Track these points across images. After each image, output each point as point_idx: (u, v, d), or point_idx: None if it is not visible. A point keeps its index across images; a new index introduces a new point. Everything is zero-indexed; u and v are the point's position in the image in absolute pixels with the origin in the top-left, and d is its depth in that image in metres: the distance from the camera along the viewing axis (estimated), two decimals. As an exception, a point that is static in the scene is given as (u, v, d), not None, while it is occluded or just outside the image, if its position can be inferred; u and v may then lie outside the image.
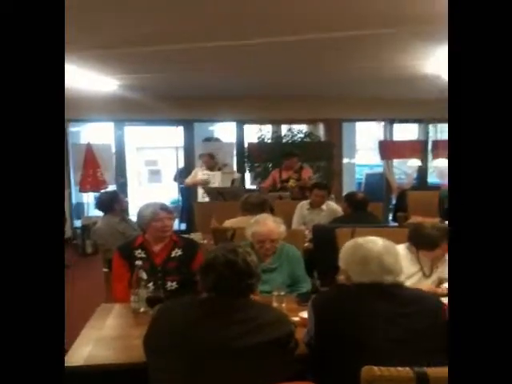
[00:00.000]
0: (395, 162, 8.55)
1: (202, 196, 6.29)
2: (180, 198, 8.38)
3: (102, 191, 6.21)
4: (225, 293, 1.75)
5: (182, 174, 7.72)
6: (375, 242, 1.91)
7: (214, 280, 1.76)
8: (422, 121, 8.19)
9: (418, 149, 8.15)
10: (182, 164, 8.14)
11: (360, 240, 1.95)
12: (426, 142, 8.31)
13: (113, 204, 4.14)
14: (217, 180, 6.25)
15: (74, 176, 7.49)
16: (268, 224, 2.92)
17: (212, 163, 6.42)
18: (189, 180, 6.66)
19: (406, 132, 9.23)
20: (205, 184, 6.27)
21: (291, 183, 5.87)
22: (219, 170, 6.41)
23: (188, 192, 7.64)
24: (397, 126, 8.37)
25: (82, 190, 7.26)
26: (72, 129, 8.06)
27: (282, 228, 2.98)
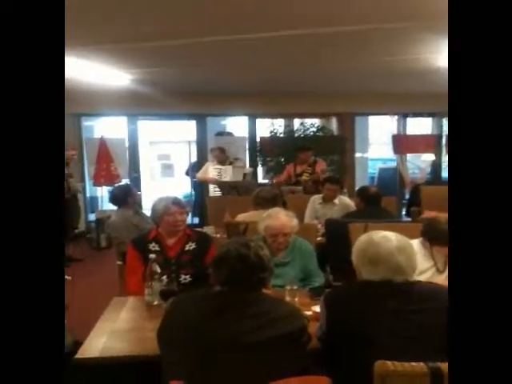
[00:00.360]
0: (409, 156, 8.48)
1: (213, 190, 6.30)
2: (193, 192, 8.41)
3: (115, 185, 6.26)
4: (237, 286, 1.75)
5: (194, 169, 7.75)
6: (388, 239, 1.85)
7: (226, 274, 1.76)
8: (436, 115, 8.10)
9: (431, 143, 8.07)
10: (194, 158, 8.16)
11: (373, 236, 1.90)
12: (440, 136, 8.22)
13: (126, 197, 4.17)
14: (228, 174, 6.24)
15: (88, 170, 7.54)
16: (281, 218, 2.91)
17: (223, 157, 6.42)
18: (200, 174, 6.68)
19: (419, 126, 9.15)
20: (215, 182, 6.28)
21: (304, 177, 5.85)
22: (230, 164, 6.40)
23: (200, 186, 7.67)
24: (410, 120, 8.29)
25: (96, 183, 7.33)
26: (86, 123, 8.12)
27: (295, 222, 2.98)
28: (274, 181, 6.61)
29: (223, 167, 6.30)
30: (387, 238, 1.87)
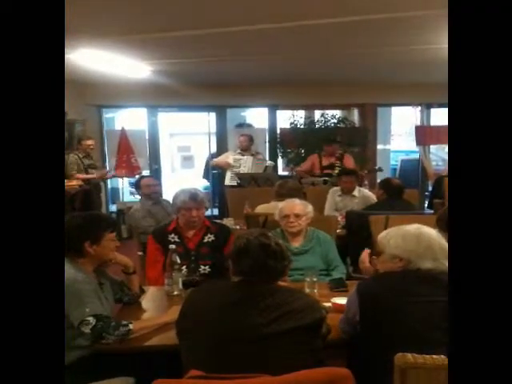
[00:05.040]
0: (432, 148, 8.32)
1: (229, 179, 6.21)
2: (208, 184, 8.43)
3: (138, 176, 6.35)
4: (260, 276, 1.75)
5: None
6: (429, 229, 1.94)
7: (249, 264, 1.75)
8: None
9: (455, 134, 7.90)
10: (214, 150, 8.15)
11: (416, 227, 1.95)
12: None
13: (138, 188, 4.30)
14: (247, 165, 6.14)
15: (109, 161, 7.61)
16: (294, 201, 3.11)
17: (248, 145, 6.25)
18: (217, 159, 6.62)
19: (444, 117, 8.96)
20: (229, 167, 6.21)
21: (337, 170, 5.76)
22: (252, 156, 6.32)
23: (220, 177, 7.67)
24: (434, 111, 8.12)
25: (117, 175, 7.39)
26: (106, 115, 8.19)
27: (309, 209, 3.07)
28: (297, 169, 6.51)
29: (243, 157, 6.21)
30: (424, 227, 1.95)
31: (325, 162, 6.03)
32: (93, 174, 6.10)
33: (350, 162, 6.00)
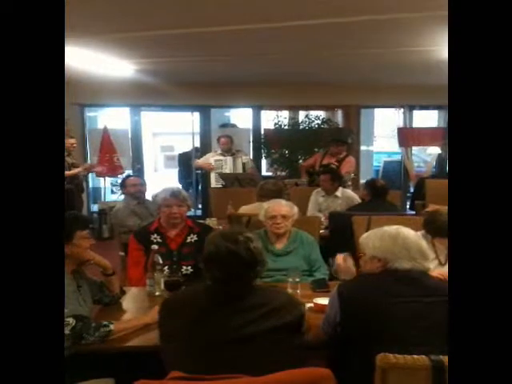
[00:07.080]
0: (414, 149, 8.41)
1: (215, 181, 6.23)
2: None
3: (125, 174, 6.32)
4: (233, 282, 1.72)
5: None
6: (406, 229, 1.94)
7: (220, 272, 1.71)
8: (443, 107, 8.01)
9: (438, 136, 7.98)
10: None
11: (395, 228, 1.95)
12: (446, 129, 8.14)
13: (122, 187, 4.28)
14: (228, 165, 6.18)
15: (90, 161, 7.53)
16: (280, 202, 3.10)
17: (229, 146, 6.27)
18: (199, 161, 6.62)
19: (426, 119, 9.06)
20: (212, 170, 6.22)
21: None
22: (233, 155, 6.33)
23: (203, 178, 7.64)
24: (417, 113, 8.20)
25: (99, 174, 7.31)
26: (89, 114, 8.10)
27: (295, 210, 3.06)
28: (302, 164, 6.49)
29: (224, 158, 6.23)
30: (403, 228, 1.94)
31: (325, 161, 6.00)
32: (79, 168, 6.05)
33: (347, 164, 5.84)
